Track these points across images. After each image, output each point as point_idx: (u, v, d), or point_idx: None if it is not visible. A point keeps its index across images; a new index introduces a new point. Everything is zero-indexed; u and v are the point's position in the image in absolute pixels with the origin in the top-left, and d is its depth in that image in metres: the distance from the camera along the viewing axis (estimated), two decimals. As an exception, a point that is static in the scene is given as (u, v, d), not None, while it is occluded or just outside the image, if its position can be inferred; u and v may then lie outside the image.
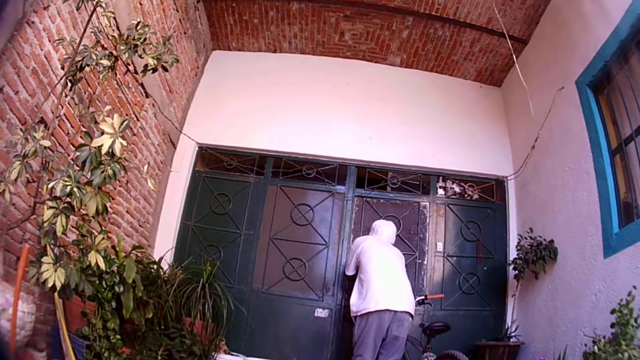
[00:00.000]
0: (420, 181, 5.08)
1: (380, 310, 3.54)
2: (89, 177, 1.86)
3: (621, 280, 2.92)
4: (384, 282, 3.67)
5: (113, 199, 4.32)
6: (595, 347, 2.66)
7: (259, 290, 4.70)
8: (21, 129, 2.61)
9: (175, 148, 5.08)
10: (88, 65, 2.41)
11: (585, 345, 2.88)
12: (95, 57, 2.39)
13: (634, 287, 2.63)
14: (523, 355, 4.01)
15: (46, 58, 2.81)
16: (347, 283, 4.83)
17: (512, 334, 4.17)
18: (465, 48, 5.26)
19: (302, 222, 4.87)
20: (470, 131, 5.20)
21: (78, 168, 1.92)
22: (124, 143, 1.83)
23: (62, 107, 2.80)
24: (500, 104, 5.48)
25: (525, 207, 4.70)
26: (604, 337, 2.67)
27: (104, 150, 1.82)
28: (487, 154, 5.13)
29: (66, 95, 2.59)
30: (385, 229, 4.12)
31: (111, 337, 2.95)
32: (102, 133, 1.85)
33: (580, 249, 3.54)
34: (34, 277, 2.10)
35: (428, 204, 4.99)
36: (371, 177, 5.04)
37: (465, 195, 5.13)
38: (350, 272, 4.14)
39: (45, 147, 2.12)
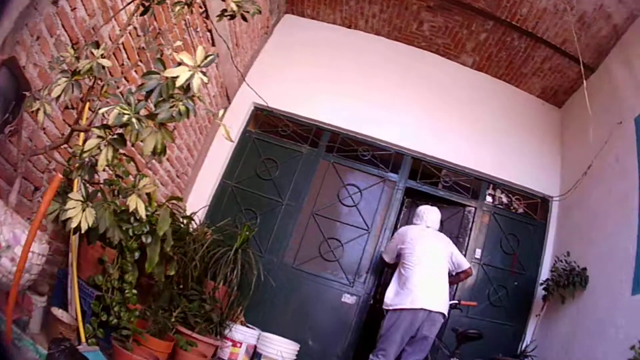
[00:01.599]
0: (471, 185, 4.99)
1: (416, 308, 3.45)
2: (152, 110, 1.56)
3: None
4: (424, 280, 3.57)
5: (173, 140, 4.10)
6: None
7: (289, 265, 4.55)
8: (73, 47, 2.27)
9: (229, 103, 4.89)
10: None
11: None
12: None
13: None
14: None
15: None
16: (384, 271, 4.73)
17: (529, 354, 4.16)
18: (536, 63, 5.15)
19: (348, 203, 4.73)
20: (525, 145, 5.12)
21: (139, 99, 1.64)
22: (205, 79, 1.54)
23: (122, 36, 2.52)
24: (557, 124, 5.39)
25: (565, 231, 4.69)
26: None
27: (178, 82, 1.53)
28: (538, 171, 5.06)
29: (129, 24, 2.34)
30: (430, 215, 3.96)
31: (126, 291, 2.69)
32: (179, 64, 1.55)
33: (610, 282, 3.64)
34: (54, 213, 1.80)
35: (474, 209, 4.90)
36: (424, 171, 4.92)
37: (511, 208, 5.07)
38: (388, 259, 4.03)
39: (104, 67, 1.77)
